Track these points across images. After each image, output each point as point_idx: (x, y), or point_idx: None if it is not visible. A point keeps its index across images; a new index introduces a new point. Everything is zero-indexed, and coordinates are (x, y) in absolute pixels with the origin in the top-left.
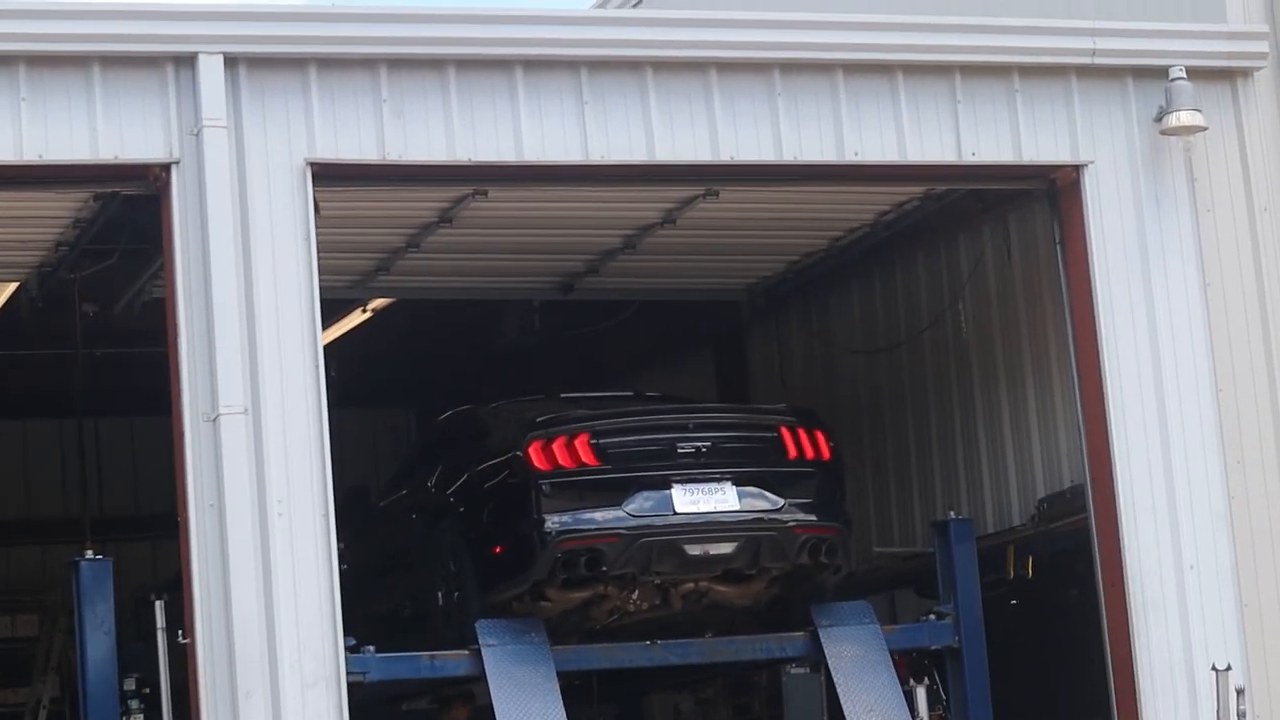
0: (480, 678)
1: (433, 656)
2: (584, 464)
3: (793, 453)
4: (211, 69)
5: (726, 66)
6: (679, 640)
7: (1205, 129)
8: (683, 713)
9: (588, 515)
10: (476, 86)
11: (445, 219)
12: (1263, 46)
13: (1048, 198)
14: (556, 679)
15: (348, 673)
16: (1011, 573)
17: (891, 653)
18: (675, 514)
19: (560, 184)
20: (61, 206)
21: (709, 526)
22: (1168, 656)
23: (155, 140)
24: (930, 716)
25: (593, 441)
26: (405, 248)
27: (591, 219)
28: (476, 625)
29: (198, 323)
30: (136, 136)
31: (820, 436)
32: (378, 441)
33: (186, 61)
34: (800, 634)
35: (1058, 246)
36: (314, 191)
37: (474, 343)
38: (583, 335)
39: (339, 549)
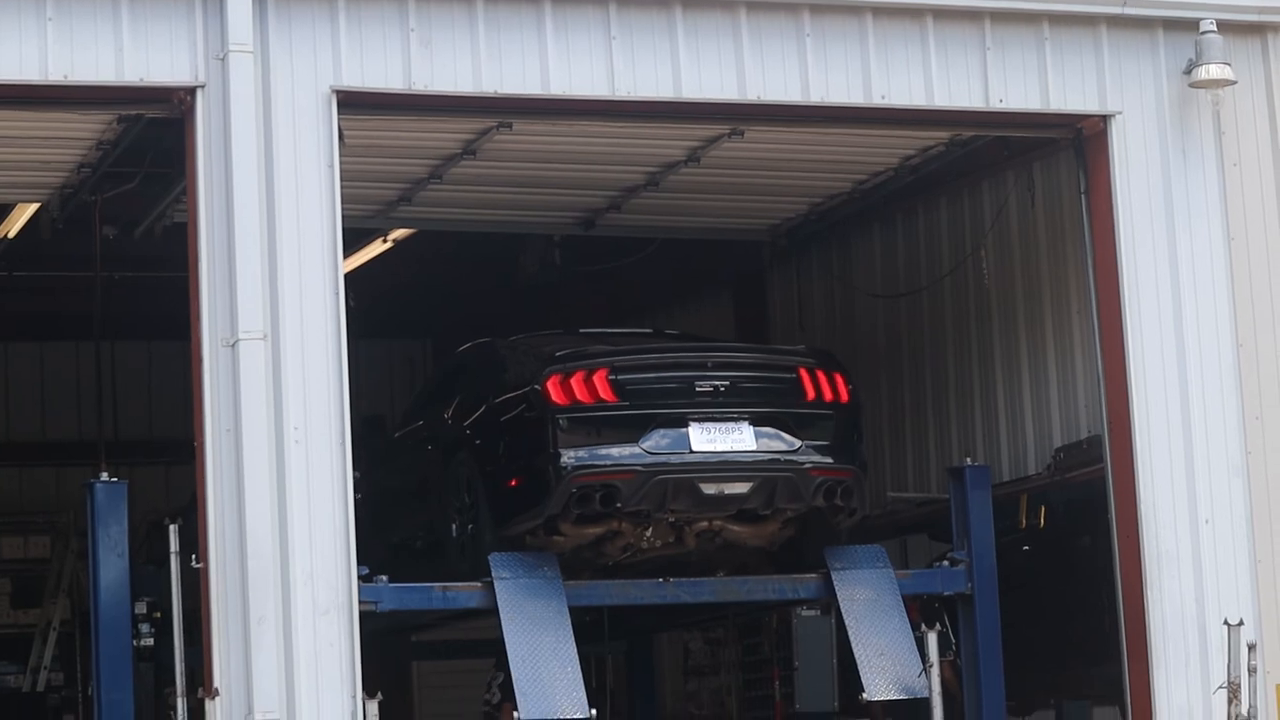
0: (492, 611)
1: (445, 588)
2: (601, 400)
3: (811, 394)
4: None
5: (756, 6)
6: (691, 579)
7: (1234, 83)
8: (692, 652)
9: (604, 451)
10: (504, 19)
11: (469, 151)
12: None
13: (1074, 147)
14: (568, 614)
15: (360, 601)
16: (1024, 521)
17: (904, 598)
18: (692, 452)
19: (585, 119)
20: (85, 128)
21: (725, 465)
22: (1180, 609)
23: (181, 64)
24: (940, 662)
25: (611, 377)
26: (428, 179)
27: (615, 155)
28: (490, 558)
29: (219, 247)
30: (162, 59)
31: (839, 379)
32: (394, 373)
33: None
34: (813, 576)
35: (1082, 196)
36: (339, 119)
37: (494, 276)
38: (603, 272)
39: (354, 478)
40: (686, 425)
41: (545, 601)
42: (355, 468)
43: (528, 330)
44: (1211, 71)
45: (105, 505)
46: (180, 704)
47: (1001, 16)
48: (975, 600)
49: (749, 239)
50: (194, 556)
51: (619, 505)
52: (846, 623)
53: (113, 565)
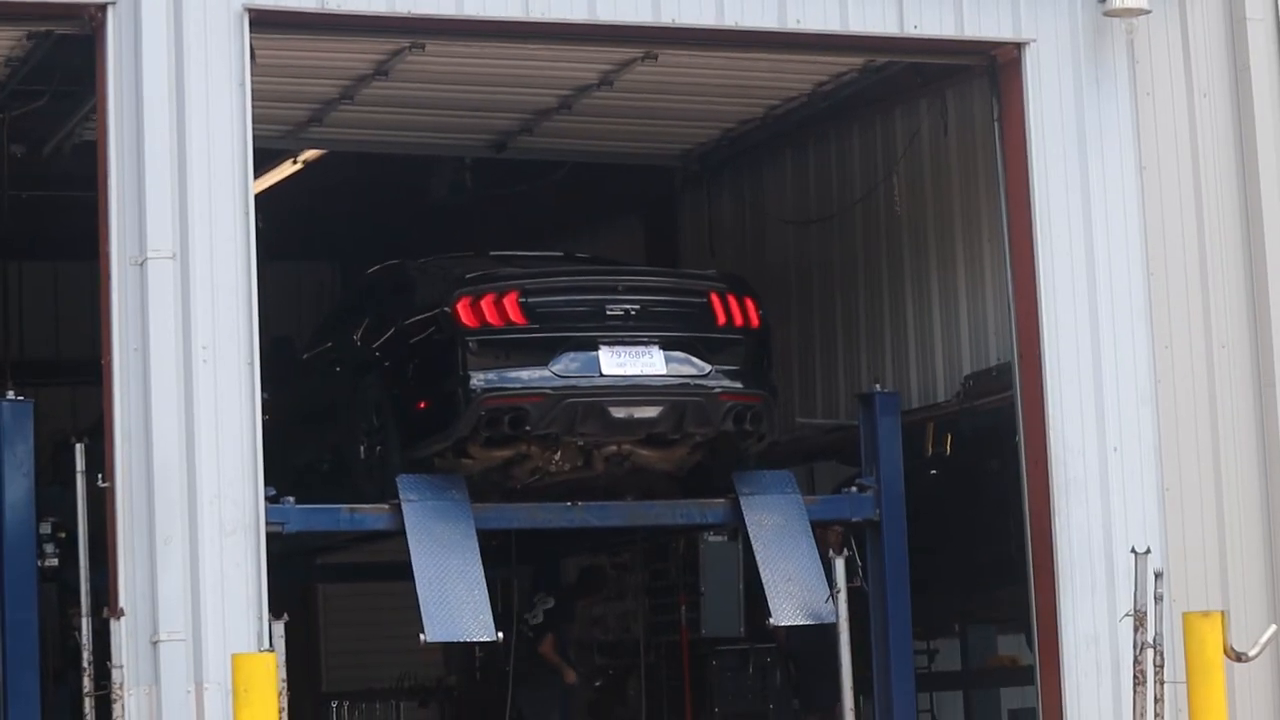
0: (399, 533)
1: (353, 510)
2: (511, 322)
3: (722, 319)
4: None
5: None
6: (600, 503)
7: (1148, 12)
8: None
9: (513, 374)
10: None
11: (381, 72)
12: None
13: (988, 75)
14: (476, 536)
15: (267, 522)
16: (930, 449)
17: (826, 523)
18: (601, 376)
19: (498, 40)
20: None
21: (635, 389)
22: (1087, 537)
23: None
24: (848, 588)
25: (521, 300)
26: (339, 99)
27: (527, 77)
28: (397, 480)
29: (128, 166)
30: None
31: (750, 304)
32: (303, 296)
33: None
34: (721, 501)
35: (995, 124)
36: (250, 38)
37: (404, 199)
38: (513, 195)
39: (263, 399)
40: (597, 349)
41: (453, 524)
42: (264, 389)
43: (438, 254)
44: (1125, 0)
45: (11, 424)
46: (85, 624)
47: None
48: (883, 526)
49: (661, 164)
50: (100, 475)
51: (528, 428)
52: (754, 548)
53: (18, 484)
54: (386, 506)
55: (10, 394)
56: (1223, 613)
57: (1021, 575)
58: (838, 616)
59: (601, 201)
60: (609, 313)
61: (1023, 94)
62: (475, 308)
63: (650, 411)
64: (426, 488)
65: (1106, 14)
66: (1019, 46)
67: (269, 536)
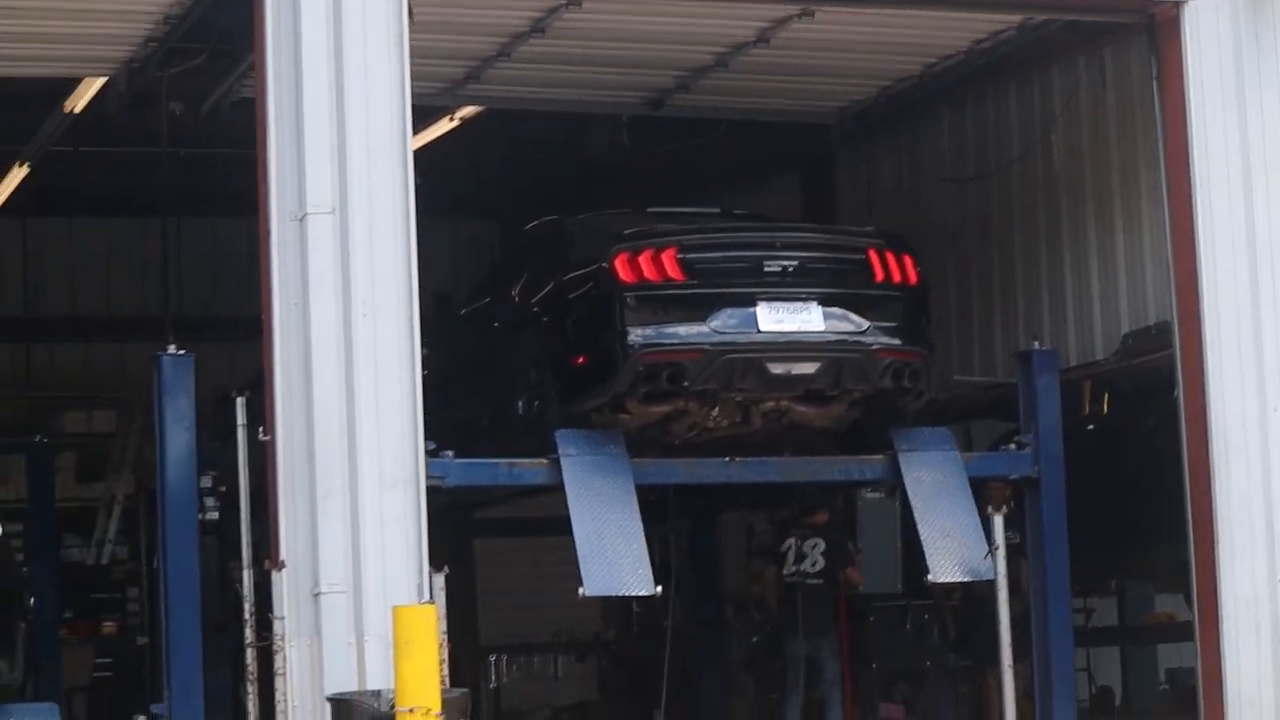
0: (558, 487)
1: (511, 464)
2: (669, 278)
3: (879, 275)
4: None
5: None
6: (757, 459)
7: None
8: (756, 533)
9: (671, 329)
10: None
11: (538, 29)
12: None
13: (1146, 33)
14: (634, 491)
15: (427, 476)
16: (1088, 408)
17: (987, 480)
18: (759, 332)
19: None
20: (152, 1)
21: (792, 346)
22: (1247, 497)
23: None
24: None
25: (679, 256)
26: (496, 57)
27: (685, 34)
28: (556, 435)
29: (287, 122)
30: None
31: (908, 261)
32: (460, 253)
33: None
34: (879, 457)
35: (1154, 82)
36: None
37: (562, 156)
38: (670, 153)
39: (423, 353)
40: (754, 305)
41: (611, 478)
42: (423, 344)
43: (595, 210)
44: None
45: (172, 378)
46: (246, 576)
47: None
48: (1041, 484)
49: (817, 122)
50: (260, 429)
51: (685, 384)
52: (912, 504)
53: (179, 438)
54: (545, 461)
55: (171, 348)
56: None
57: (1179, 534)
58: (996, 573)
59: (758, 160)
60: (767, 269)
61: (1181, 53)
62: (633, 264)
63: (808, 368)
64: (585, 442)
65: None
66: (1177, 5)
67: (428, 490)
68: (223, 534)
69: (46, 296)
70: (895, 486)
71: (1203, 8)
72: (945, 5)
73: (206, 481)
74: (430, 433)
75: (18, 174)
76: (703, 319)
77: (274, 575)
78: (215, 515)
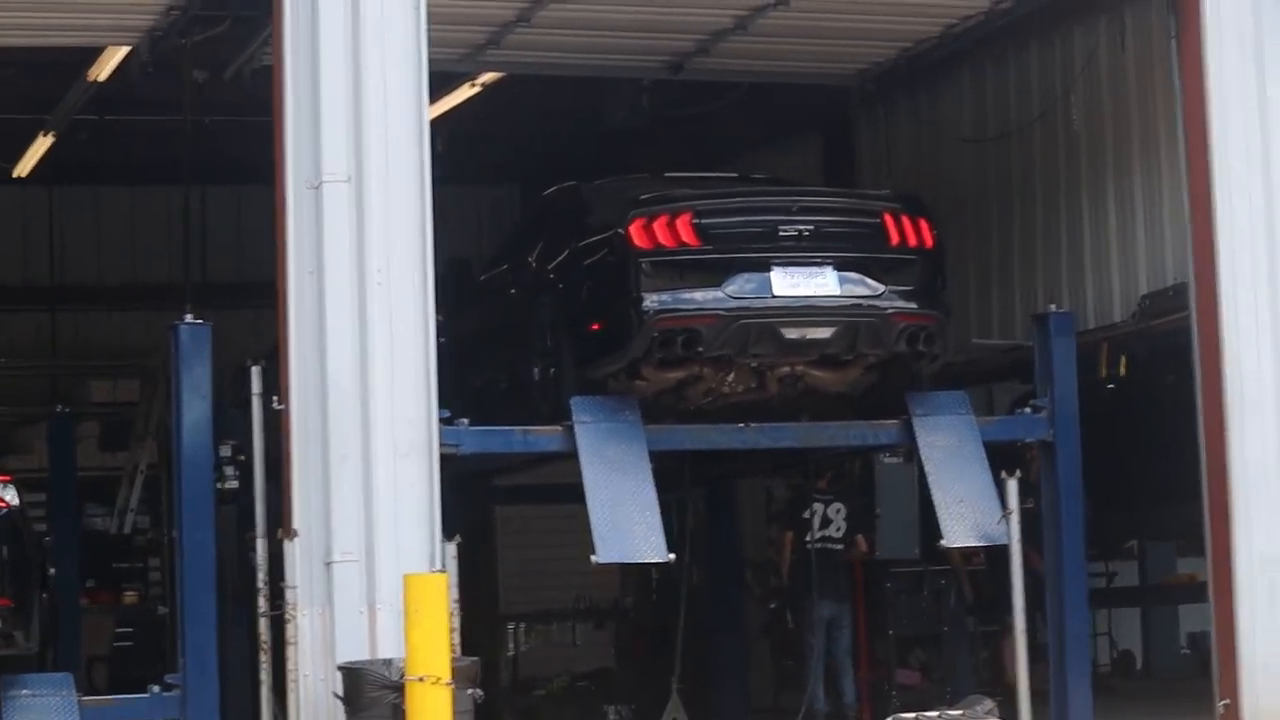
0: (572, 454)
1: (526, 432)
2: (684, 243)
3: (895, 239)
4: None
5: None
6: (773, 424)
7: None
8: (775, 498)
9: (687, 295)
10: None
11: None
12: None
13: None
14: (648, 458)
15: (441, 444)
16: (1105, 371)
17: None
18: (774, 297)
19: None
20: None
21: (807, 310)
22: (1263, 459)
23: None
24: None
25: (694, 221)
26: (515, 21)
27: None
28: (571, 401)
29: (304, 90)
30: None
31: (923, 224)
32: (482, 219)
33: None
34: (894, 422)
35: (1172, 41)
36: None
37: (583, 122)
38: (691, 116)
39: (438, 321)
40: (769, 269)
41: (626, 445)
42: (439, 311)
43: (617, 176)
44: None
45: (189, 347)
46: (260, 545)
47: None
48: (1057, 447)
49: (838, 84)
50: (275, 398)
51: (701, 349)
52: (926, 469)
53: (195, 407)
54: (560, 428)
55: (188, 317)
56: None
57: (1198, 495)
58: (1010, 538)
59: (779, 122)
60: (782, 233)
61: (1199, 10)
62: (649, 229)
63: (823, 332)
64: (600, 409)
65: None
66: None
67: (445, 458)
68: (242, 503)
69: (72, 266)
70: (913, 451)
71: None
72: None
73: (226, 450)
74: (448, 400)
75: (43, 143)
76: (718, 284)
77: (286, 544)
78: (235, 484)
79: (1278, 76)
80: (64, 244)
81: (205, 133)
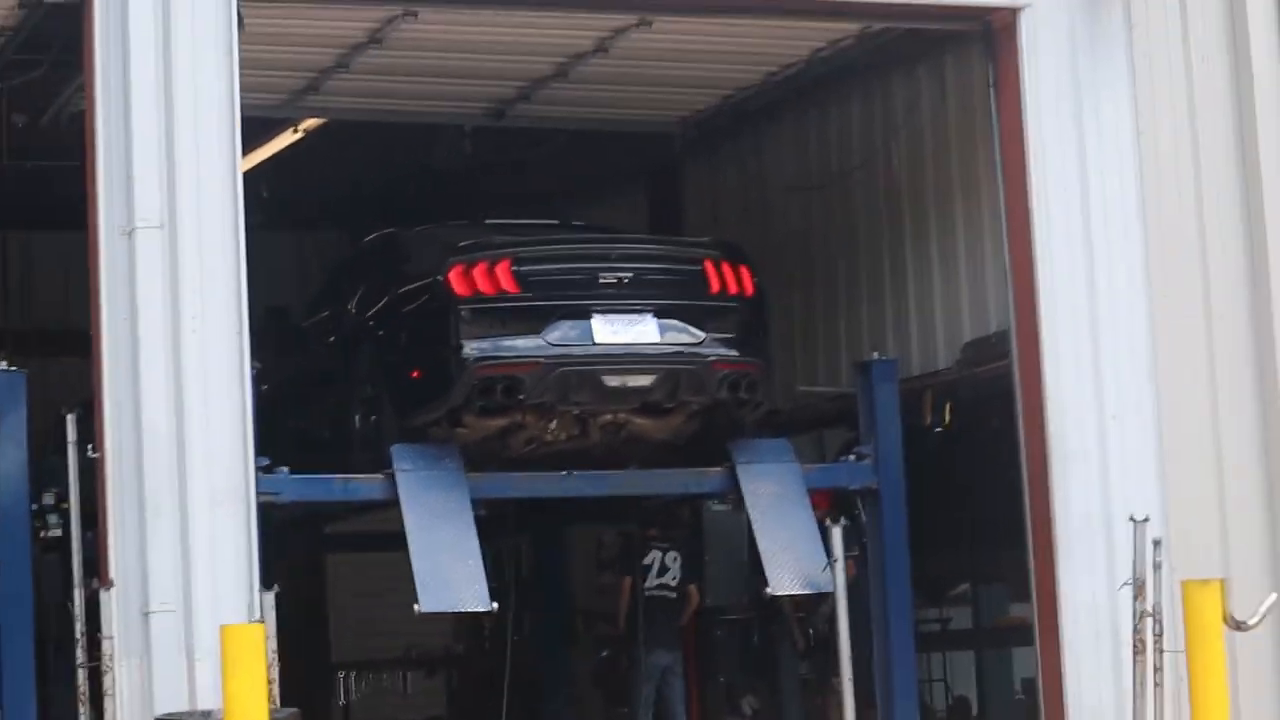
0: (394, 503)
1: (346, 480)
2: (504, 291)
3: (715, 287)
4: None
5: None
6: (595, 472)
7: None
8: (605, 544)
9: (507, 342)
10: None
11: (375, 40)
12: None
13: (983, 40)
14: (471, 506)
15: (259, 492)
16: (929, 418)
17: (814, 490)
18: (595, 344)
19: (490, 7)
20: None
21: (628, 358)
22: (1086, 505)
23: None
24: (845, 556)
25: (514, 268)
26: (334, 68)
27: (523, 45)
28: (392, 450)
29: (115, 135)
30: None
31: (744, 271)
32: (310, 264)
33: None
34: (718, 470)
35: (991, 90)
36: (238, 4)
37: (409, 167)
38: (518, 163)
39: (256, 369)
40: (590, 317)
41: (447, 493)
42: (258, 358)
43: (442, 221)
44: None
45: (4, 394)
46: (77, 595)
47: None
48: (881, 494)
49: (661, 131)
50: (90, 446)
51: (522, 397)
52: (751, 516)
53: (10, 455)
54: (381, 476)
55: (3, 364)
56: (1222, 581)
57: (1021, 535)
58: (835, 586)
59: (605, 169)
60: (602, 280)
61: (1018, 59)
62: (468, 276)
63: (644, 380)
64: (421, 457)
65: None
66: (1014, 11)
67: (271, 507)
68: (65, 551)
69: None
70: (741, 499)
71: (1040, 13)
72: (782, 15)
73: (49, 498)
74: (269, 448)
75: None
76: (538, 331)
77: (103, 594)
78: (59, 532)
79: (1095, 123)
80: None
81: (28, 177)
